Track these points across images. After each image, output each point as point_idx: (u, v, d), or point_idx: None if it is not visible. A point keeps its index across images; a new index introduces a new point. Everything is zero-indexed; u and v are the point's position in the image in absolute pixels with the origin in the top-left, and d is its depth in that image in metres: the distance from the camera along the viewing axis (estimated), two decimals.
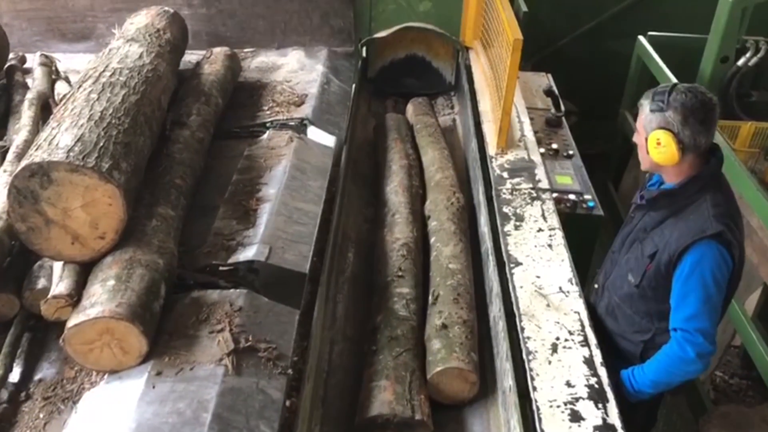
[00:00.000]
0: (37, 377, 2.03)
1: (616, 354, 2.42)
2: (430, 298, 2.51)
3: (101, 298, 1.86)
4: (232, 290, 2.12)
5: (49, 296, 1.93)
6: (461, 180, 3.23)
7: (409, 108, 3.97)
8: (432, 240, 2.80)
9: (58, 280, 1.99)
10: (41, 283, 2.10)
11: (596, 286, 2.62)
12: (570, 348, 2.09)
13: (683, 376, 2.30)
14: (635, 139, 2.35)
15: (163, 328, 1.97)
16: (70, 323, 1.84)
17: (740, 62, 4.24)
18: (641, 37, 4.70)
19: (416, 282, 2.58)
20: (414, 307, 2.46)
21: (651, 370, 2.30)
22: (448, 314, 2.35)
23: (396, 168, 3.24)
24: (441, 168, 3.20)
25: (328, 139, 3.09)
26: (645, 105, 2.25)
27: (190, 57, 3.46)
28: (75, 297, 1.92)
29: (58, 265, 2.07)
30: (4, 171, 2.47)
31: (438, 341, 2.26)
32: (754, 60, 4.23)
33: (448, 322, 2.31)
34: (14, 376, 2.03)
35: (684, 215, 2.24)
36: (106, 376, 1.92)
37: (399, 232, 2.80)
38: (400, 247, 2.71)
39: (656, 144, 2.19)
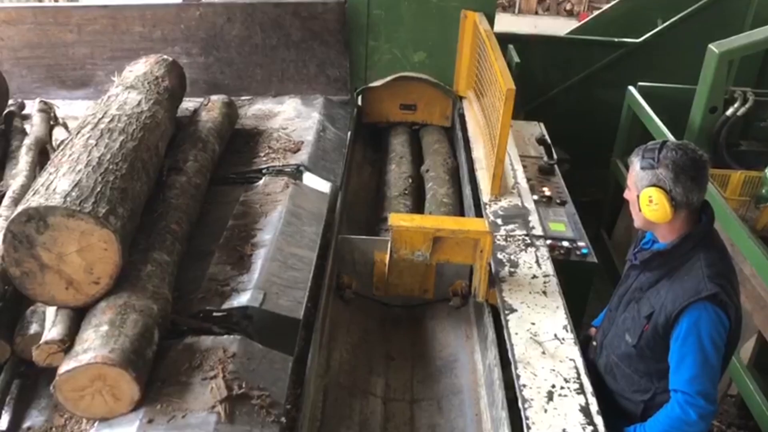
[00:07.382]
0: (26, 425, 1.99)
1: (616, 413, 2.37)
2: None
3: (94, 343, 1.84)
4: (225, 336, 2.10)
5: (41, 342, 1.91)
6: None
7: None
8: (429, 185, 3.57)
9: (50, 326, 1.97)
10: (33, 328, 2.07)
11: (594, 343, 2.59)
12: (566, 396, 2.08)
13: None
14: (626, 195, 2.33)
15: (156, 374, 1.94)
16: (61, 369, 1.82)
17: (729, 112, 4.33)
18: (631, 88, 4.80)
19: (415, 201, 3.48)
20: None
21: (653, 431, 2.27)
22: None
23: (401, 130, 4.25)
24: (438, 141, 4.07)
25: (324, 185, 3.11)
26: (635, 162, 2.23)
27: (188, 104, 3.50)
28: (67, 342, 1.89)
29: (51, 310, 2.06)
30: (0, 216, 2.47)
31: None
32: (742, 110, 4.32)
33: None
34: (2, 423, 1.99)
35: (678, 275, 2.22)
36: (96, 424, 1.88)
37: (405, 169, 3.76)
38: (406, 177, 3.66)
39: (648, 202, 2.17)
